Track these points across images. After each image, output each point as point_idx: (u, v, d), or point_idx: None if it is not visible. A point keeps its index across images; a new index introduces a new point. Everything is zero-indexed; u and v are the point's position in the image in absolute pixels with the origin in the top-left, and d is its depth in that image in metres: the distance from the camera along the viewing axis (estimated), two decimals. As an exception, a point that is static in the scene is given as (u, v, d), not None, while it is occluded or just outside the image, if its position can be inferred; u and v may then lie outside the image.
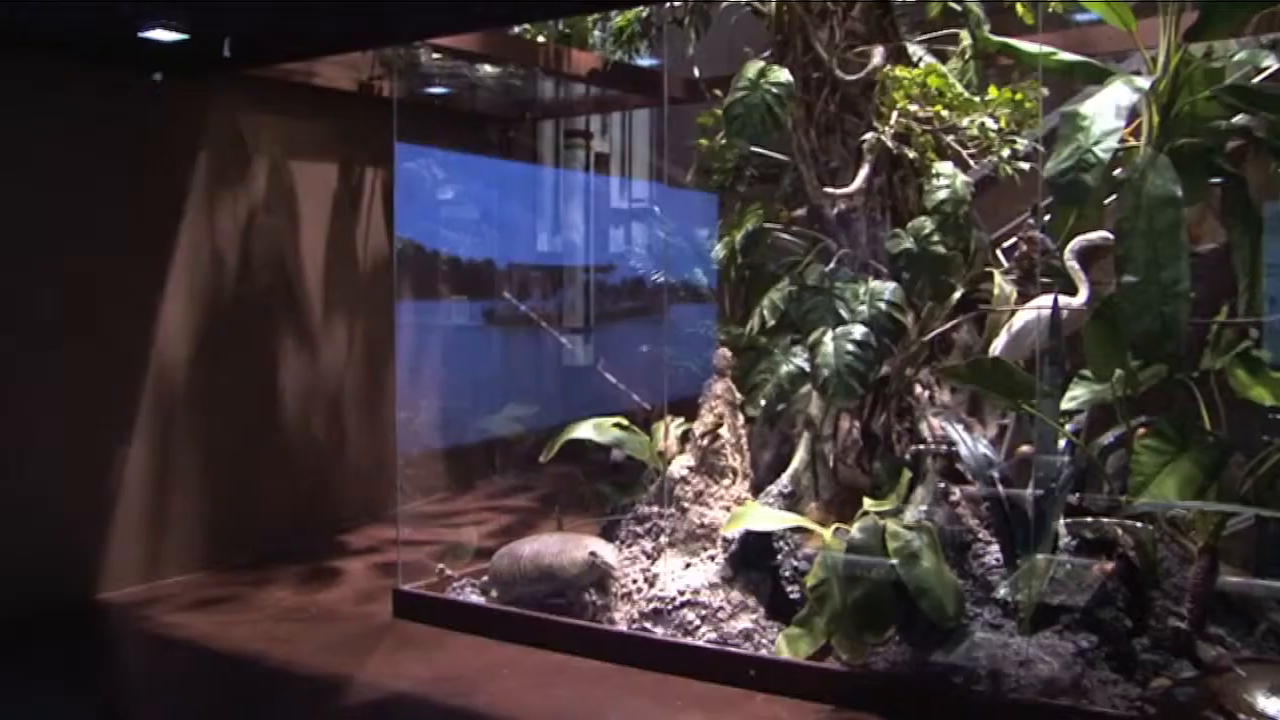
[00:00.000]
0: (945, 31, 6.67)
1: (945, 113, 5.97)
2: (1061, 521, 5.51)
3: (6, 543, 6.58)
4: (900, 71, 6.04)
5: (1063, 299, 5.58)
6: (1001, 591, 5.47)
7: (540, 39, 8.52)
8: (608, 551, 6.24)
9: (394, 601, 6.73)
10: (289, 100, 8.16)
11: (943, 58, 6.61)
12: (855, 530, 5.62)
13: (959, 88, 6.03)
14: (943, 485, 5.83)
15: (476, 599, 6.68)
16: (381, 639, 6.36)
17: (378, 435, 8.80)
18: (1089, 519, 5.55)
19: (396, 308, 8.39)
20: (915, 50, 6.51)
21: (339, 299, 8.67)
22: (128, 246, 7.23)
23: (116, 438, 7.20)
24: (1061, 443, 5.56)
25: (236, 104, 7.85)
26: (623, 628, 6.05)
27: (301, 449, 8.40)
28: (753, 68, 5.98)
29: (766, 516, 5.96)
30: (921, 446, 6.01)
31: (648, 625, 5.95)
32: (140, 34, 6.26)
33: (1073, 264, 5.67)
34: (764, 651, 5.68)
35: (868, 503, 5.78)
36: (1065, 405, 5.58)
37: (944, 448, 5.91)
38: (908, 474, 5.90)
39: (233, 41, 6.50)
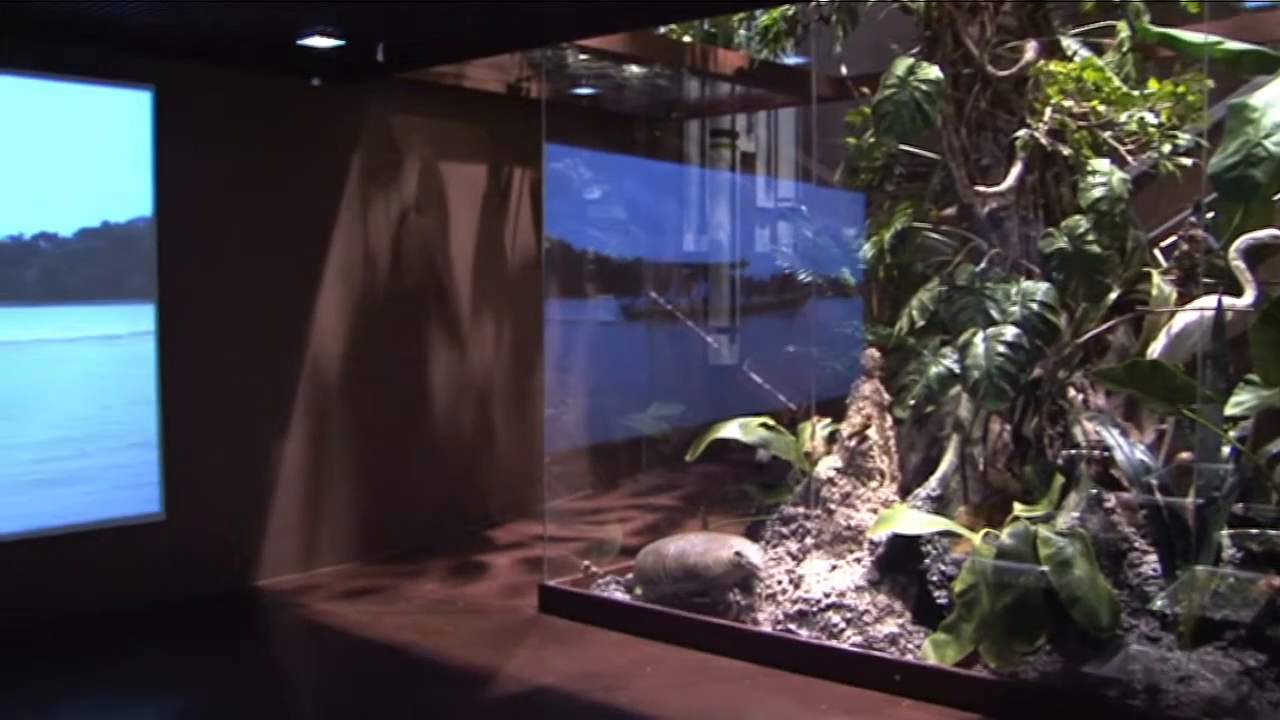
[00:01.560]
0: (1102, 23, 6.47)
1: (1102, 108, 5.79)
2: (1225, 532, 5.29)
3: (179, 531, 6.91)
4: (1054, 66, 5.88)
5: (1227, 300, 5.37)
6: (1159, 603, 5.28)
7: (686, 39, 8.53)
8: (753, 552, 6.22)
9: (539, 597, 6.82)
10: (440, 103, 8.32)
11: (1099, 51, 6.42)
12: (1006, 536, 5.49)
13: (1117, 81, 5.84)
14: (1097, 492, 5.65)
15: (621, 596, 6.72)
16: (527, 633, 6.45)
17: (525, 432, 8.92)
18: (1255, 530, 5.32)
19: (545, 307, 8.47)
20: (1070, 44, 6.33)
21: (488, 297, 8.82)
22: (286, 247, 7.49)
23: (276, 432, 7.46)
24: (1226, 450, 5.34)
25: (389, 107, 8.04)
26: (767, 628, 6.02)
27: (450, 445, 8.56)
28: (902, 64, 5.89)
29: (914, 520, 5.87)
30: (1075, 451, 5.85)
31: (792, 627, 5.91)
32: (299, 41, 6.47)
33: (1239, 263, 5.44)
34: (910, 657, 5.59)
35: (1018, 508, 5.65)
36: (1230, 411, 5.35)
37: (1099, 453, 5.74)
38: (1060, 479, 5.74)
39: (386, 47, 6.64)
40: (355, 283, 7.86)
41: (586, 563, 7.04)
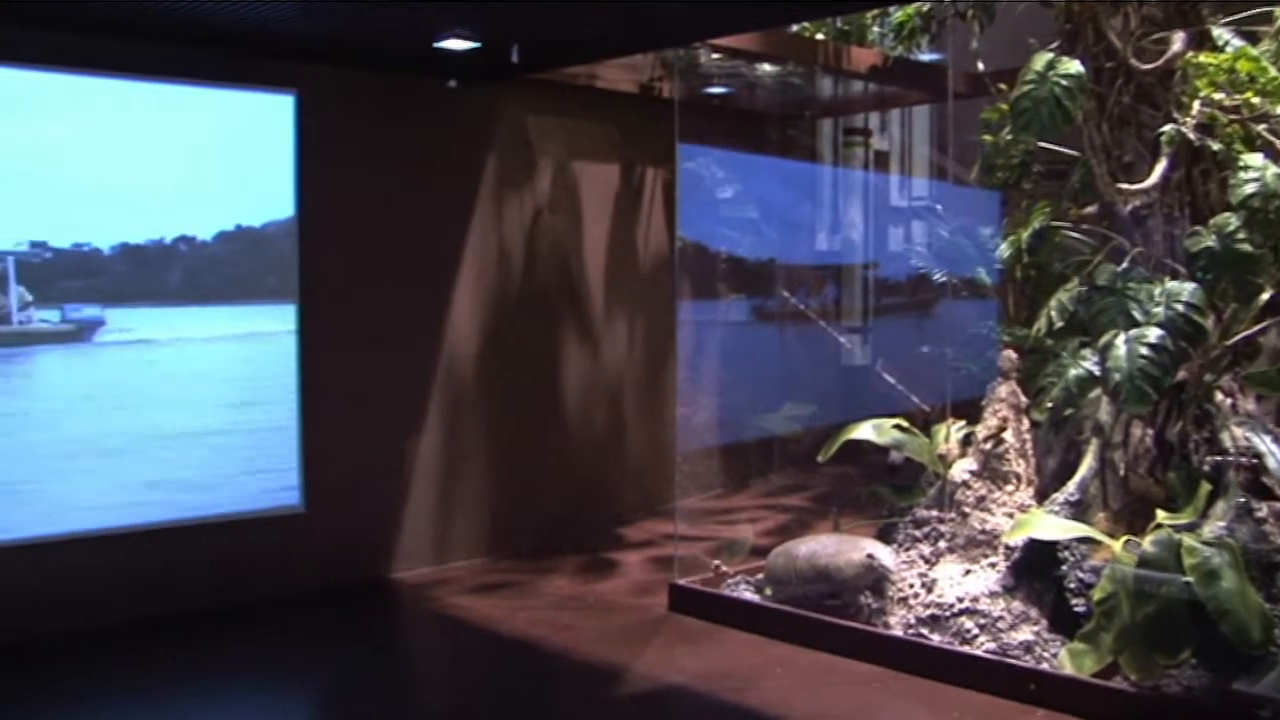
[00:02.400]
0: (1256, 10, 6.22)
1: (1256, 100, 5.57)
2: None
3: (318, 523, 7.11)
4: (1204, 57, 5.68)
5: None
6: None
7: (819, 36, 8.46)
8: (885, 554, 6.15)
9: (670, 595, 6.84)
10: (572, 103, 8.39)
11: (1253, 40, 6.17)
12: (1148, 543, 5.33)
13: (1274, 71, 5.61)
14: (1246, 500, 5.44)
15: (751, 596, 6.70)
16: (657, 631, 6.47)
17: (656, 430, 8.95)
18: None
19: (678, 306, 8.47)
20: (1221, 34, 6.10)
21: (620, 296, 8.87)
22: (422, 247, 7.64)
23: (411, 429, 7.62)
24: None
25: (523, 108, 8.14)
26: (898, 632, 5.94)
27: (582, 442, 8.64)
28: (1041, 59, 5.75)
29: (1052, 525, 5.74)
30: (1222, 457, 5.64)
31: (924, 631, 5.83)
32: (436, 44, 6.58)
33: (1401, 262, 5.20)
34: (1046, 665, 5.47)
35: (1161, 515, 5.48)
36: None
37: (1248, 460, 5.53)
38: (1206, 486, 5.55)
39: (521, 48, 6.72)
40: (489, 281, 7.98)
41: (717, 562, 7.03)
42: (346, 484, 7.27)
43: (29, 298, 6.22)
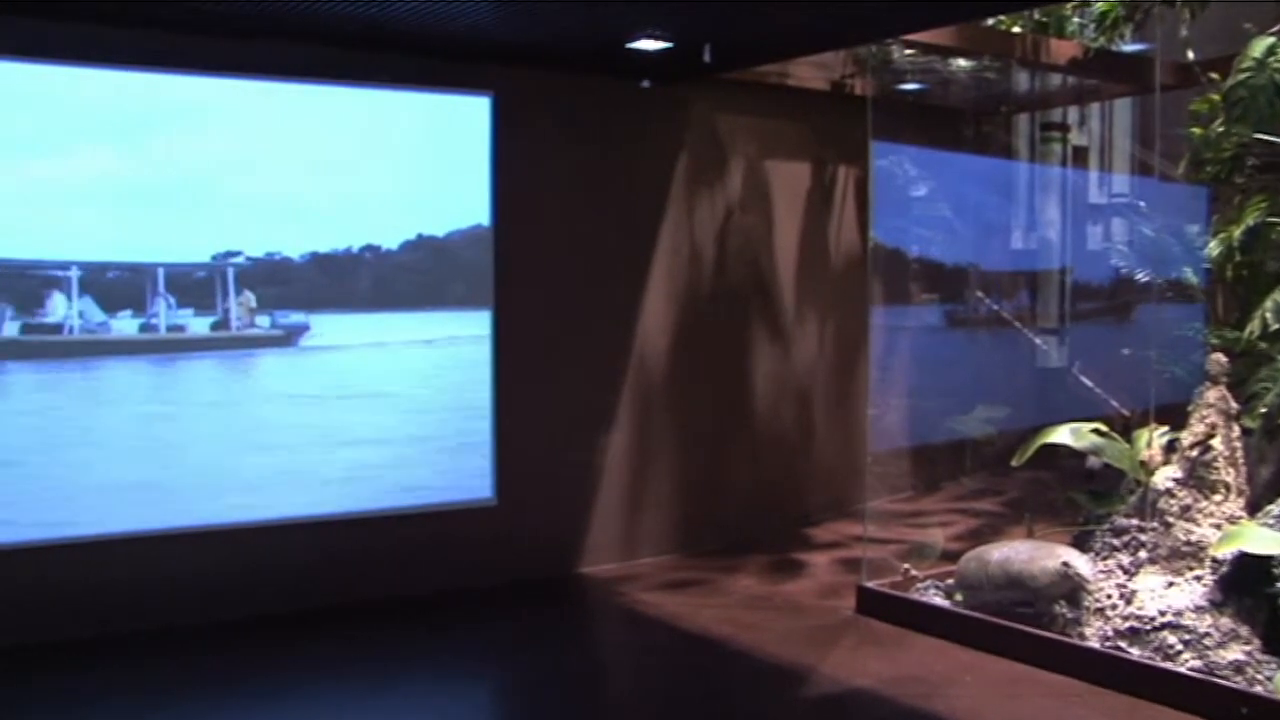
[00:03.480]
0: None
1: None
2: None
3: (509, 517, 7.27)
4: None
5: None
6: None
7: (1015, 29, 8.24)
8: (1081, 563, 5.95)
9: (857, 597, 6.77)
10: (763, 101, 8.37)
11: None
12: (1371, 560, 5.03)
13: None
14: None
15: (941, 601, 6.58)
16: (843, 634, 6.41)
17: (846, 431, 8.87)
18: None
19: (870, 305, 8.38)
20: None
21: (810, 296, 8.82)
22: (614, 246, 7.75)
23: (602, 426, 7.73)
24: None
25: (714, 107, 8.16)
26: (1094, 644, 5.74)
27: (771, 442, 8.61)
28: (1259, 45, 5.49)
29: (1265, 538, 5.45)
30: None
31: (1122, 645, 5.62)
32: (628, 45, 6.66)
33: None
34: (1259, 688, 5.19)
35: (1387, 530, 5.16)
36: None
37: None
38: None
39: (713, 47, 6.74)
40: (680, 280, 8.03)
41: (906, 566, 6.93)
42: (538, 479, 7.42)
43: (253, 304, 6.65)
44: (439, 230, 7.16)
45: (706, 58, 6.81)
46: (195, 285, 6.55)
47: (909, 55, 8.53)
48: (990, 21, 8.14)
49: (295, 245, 6.76)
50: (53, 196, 6.14)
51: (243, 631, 6.39)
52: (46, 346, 6.23)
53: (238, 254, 6.59)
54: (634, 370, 7.84)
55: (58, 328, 6.24)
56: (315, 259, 6.82)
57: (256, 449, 6.64)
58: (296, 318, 6.77)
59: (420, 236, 7.11)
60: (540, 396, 7.41)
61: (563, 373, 7.50)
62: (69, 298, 6.24)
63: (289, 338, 6.77)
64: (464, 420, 7.20)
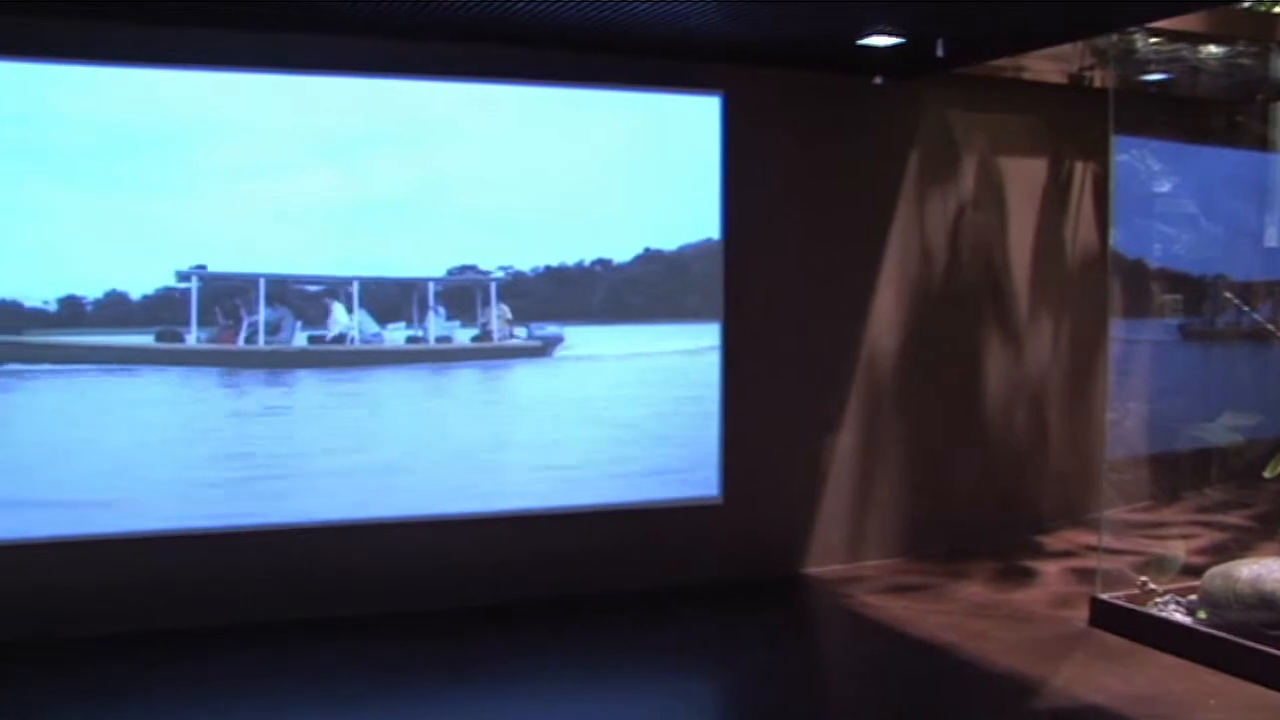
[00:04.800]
0: None
1: None
2: None
3: (735, 516, 7.33)
4: None
5: None
6: None
7: (1276, 10, 7.77)
8: (1340, 584, 5.59)
9: (1091, 609, 6.54)
10: (997, 96, 8.16)
11: None
12: None
13: None
14: None
15: (1181, 618, 6.27)
16: (1075, 647, 6.20)
17: (1080, 436, 8.58)
18: None
19: (1109, 306, 8.06)
20: None
21: (1045, 296, 8.56)
22: (844, 245, 7.69)
23: (829, 426, 7.69)
24: None
25: (946, 102, 8.01)
26: (1355, 672, 5.39)
27: (1001, 445, 8.40)
28: None
29: None
30: None
31: (1387, 673, 5.25)
32: (859, 41, 6.60)
33: None
34: None
35: None
36: None
37: None
38: None
39: (946, 42, 6.61)
40: (910, 280, 7.92)
41: (1144, 579, 6.64)
42: (764, 478, 7.44)
43: (509, 316, 7.00)
44: (670, 244, 7.28)
45: (939, 53, 6.69)
46: (455, 298, 6.95)
47: (1154, 44, 8.15)
48: (1247, 3, 7.70)
49: (527, 258, 7.03)
50: (315, 211, 6.58)
51: (468, 620, 6.63)
52: (330, 355, 6.75)
53: (509, 268, 6.97)
54: (862, 371, 7.77)
55: (341, 338, 6.75)
56: (548, 272, 7.07)
57: (507, 447, 6.99)
58: (552, 329, 7.11)
59: (649, 250, 7.25)
60: (767, 398, 7.43)
61: (790, 374, 7.51)
62: (350, 310, 6.74)
63: (545, 348, 7.11)
64: (693, 423, 7.31)
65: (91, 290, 6.29)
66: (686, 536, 7.23)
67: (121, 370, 6.43)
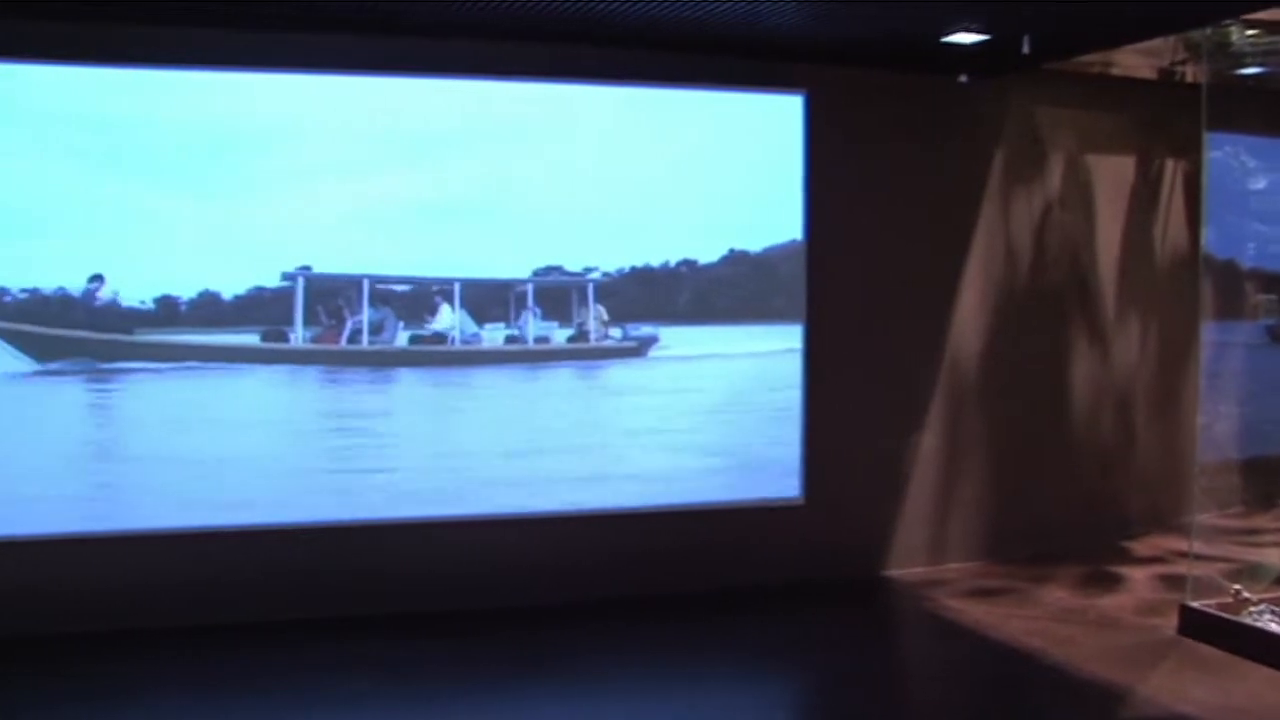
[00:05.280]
0: None
1: None
2: None
3: (815, 516, 7.29)
4: None
5: None
6: None
7: (1380, 1, 7.54)
8: None
9: (1180, 617, 6.40)
10: (1084, 92, 8.03)
11: None
12: None
13: None
14: None
15: (1277, 628, 6.12)
16: (1164, 655, 6.07)
17: (1169, 440, 8.40)
18: None
19: (1201, 306, 7.88)
20: None
21: (1133, 296, 8.41)
22: (927, 245, 7.61)
23: (911, 427, 7.64)
24: None
25: (1032, 99, 7.90)
26: None
27: (1087, 448, 8.26)
28: None
29: None
30: None
31: None
32: (943, 39, 6.53)
33: None
34: None
35: None
36: None
37: None
38: None
39: (1032, 38, 6.51)
40: (995, 280, 7.83)
41: (1237, 587, 6.48)
42: (845, 479, 7.40)
43: (605, 317, 7.10)
44: (756, 245, 7.29)
45: (1025, 49, 6.59)
46: (552, 299, 7.06)
47: (1251, 36, 7.94)
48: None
49: (612, 259, 7.07)
50: (399, 212, 6.68)
51: (550, 618, 6.67)
52: (431, 355, 6.88)
53: (594, 269, 7.05)
54: (945, 372, 7.70)
55: (442, 338, 6.86)
56: (633, 272, 7.12)
57: (593, 447, 7.08)
58: (646, 330, 7.17)
59: (734, 251, 7.27)
60: (849, 398, 7.40)
61: (872, 374, 7.46)
62: (452, 310, 6.87)
63: (641, 349, 7.18)
64: (777, 423, 7.29)
65: (185, 290, 6.45)
66: (768, 537, 7.22)
67: (221, 369, 6.57)
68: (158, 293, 6.39)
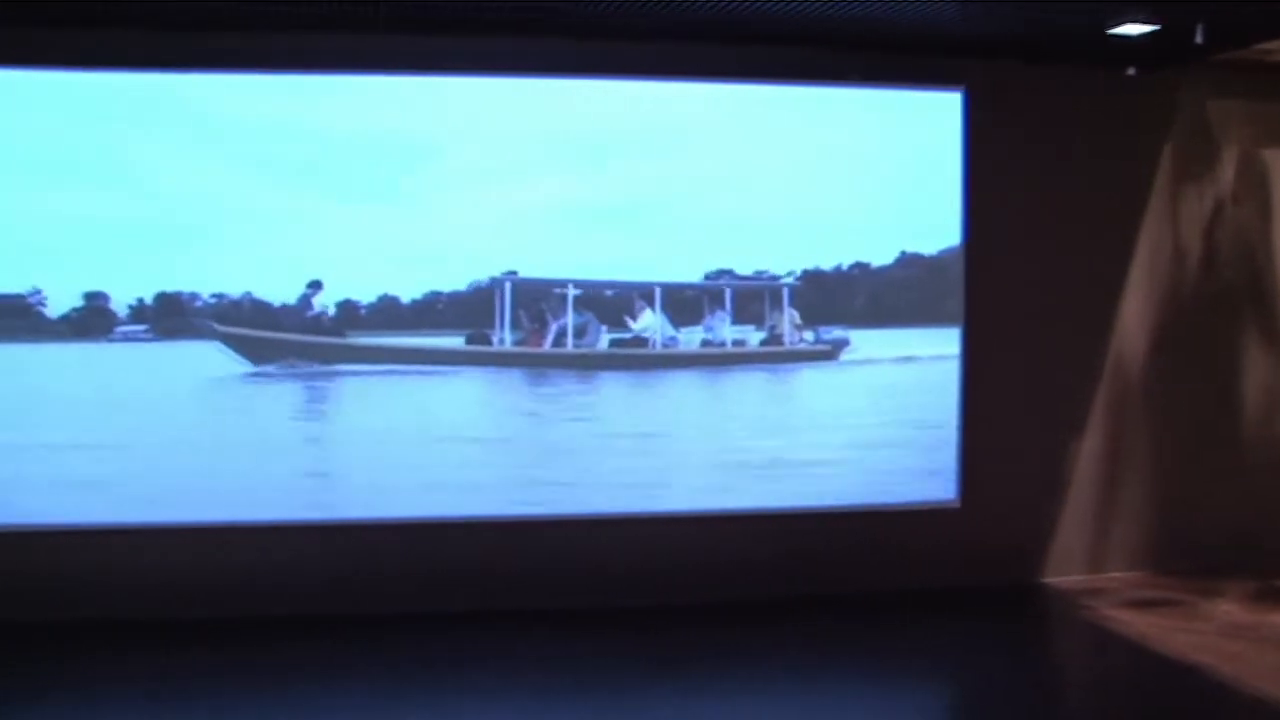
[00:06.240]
0: None
1: None
2: None
3: (972, 520, 7.15)
4: None
5: None
6: None
7: None
8: None
9: (1360, 637, 6.09)
10: (1262, 83, 7.68)
11: None
12: None
13: None
14: None
15: None
16: (1342, 676, 5.78)
17: (1351, 449, 7.99)
18: None
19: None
20: None
21: (1315, 296, 8.03)
22: (1091, 244, 7.39)
23: (1072, 431, 7.43)
24: None
25: (1204, 91, 7.61)
26: None
27: (1261, 456, 7.90)
28: None
29: None
30: None
31: None
32: (1110, 31, 6.34)
33: None
34: None
35: None
36: None
37: None
38: None
39: (1206, 27, 6.26)
40: (1162, 280, 7.58)
41: None
42: (1003, 483, 7.24)
43: (798, 320, 7.12)
44: (929, 247, 7.20)
45: (1198, 39, 6.34)
46: (743, 302, 7.13)
47: None
48: None
49: (782, 262, 7.09)
50: (577, 216, 6.82)
51: (707, 615, 6.67)
52: (633, 359, 7.05)
53: (812, 272, 7.08)
54: (1108, 375, 7.47)
55: (643, 341, 7.00)
56: (805, 275, 7.12)
57: (765, 449, 7.08)
58: (838, 332, 7.18)
59: (905, 253, 7.20)
60: (1008, 401, 7.24)
61: (1032, 377, 7.29)
62: (653, 314, 7.00)
63: (833, 352, 7.18)
64: (936, 421, 7.20)
65: (365, 295, 6.68)
66: (922, 539, 7.11)
67: (422, 371, 6.83)
68: (339, 297, 6.64)
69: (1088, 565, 7.45)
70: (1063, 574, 7.40)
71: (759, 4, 5.84)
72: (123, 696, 5.45)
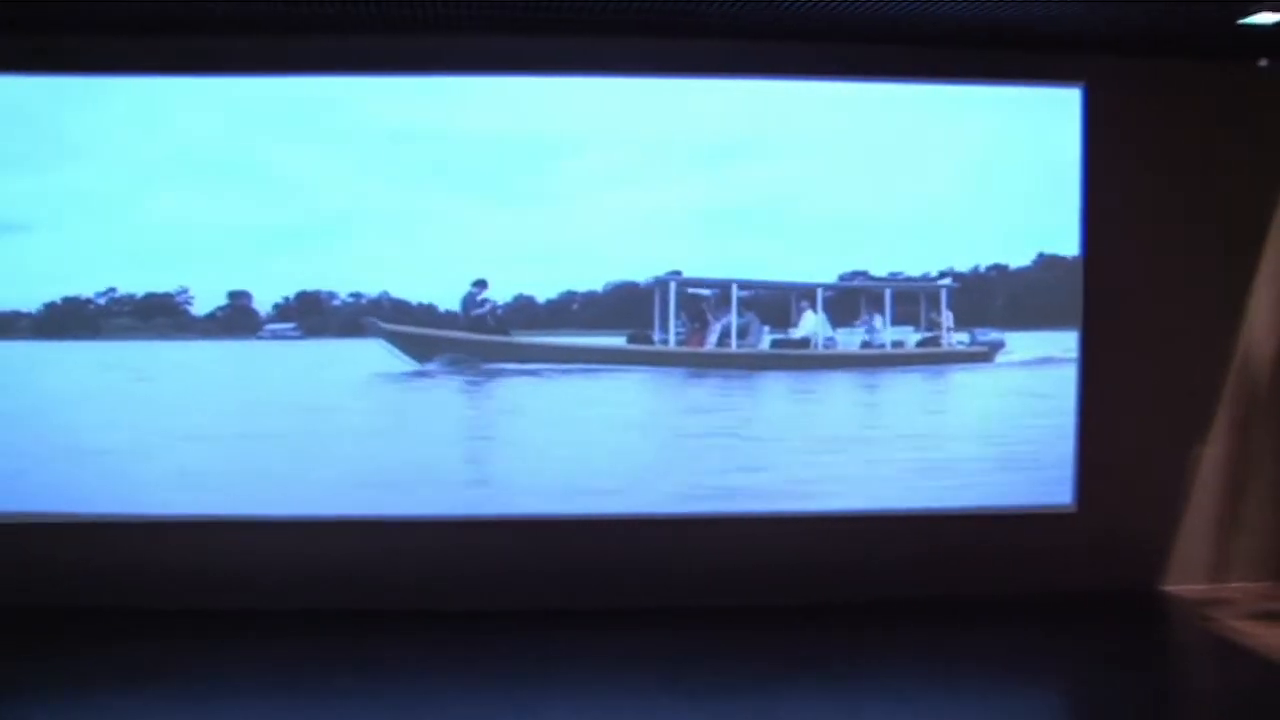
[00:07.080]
0: None
1: None
2: None
3: (1088, 524, 7.02)
4: None
5: None
6: None
7: None
8: None
9: None
10: None
11: None
12: None
13: None
14: None
15: None
16: None
17: None
18: None
19: None
20: None
21: None
22: (1218, 240, 7.21)
23: (1195, 434, 7.25)
24: None
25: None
26: None
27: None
28: None
29: None
30: None
31: None
32: (1239, 21, 6.16)
33: None
34: None
35: None
36: None
37: None
38: None
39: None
40: (1292, 279, 7.35)
41: None
42: (1122, 487, 7.10)
43: (951, 322, 7.14)
44: (1069, 249, 7.09)
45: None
46: (899, 304, 7.15)
47: None
48: None
49: (915, 263, 7.10)
50: (705, 218, 6.86)
51: (813, 616, 6.66)
52: (793, 359, 7.12)
53: (948, 273, 7.09)
54: (1234, 378, 7.27)
55: (805, 342, 7.06)
56: (941, 277, 7.11)
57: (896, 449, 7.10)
58: (994, 334, 7.18)
59: (1043, 255, 7.12)
60: (1128, 404, 7.09)
61: (1154, 380, 7.12)
62: (815, 315, 7.06)
63: (990, 353, 7.18)
64: (1051, 423, 7.13)
65: (500, 295, 6.80)
66: (1038, 543, 6.99)
67: (581, 370, 6.98)
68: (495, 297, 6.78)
69: (1210, 574, 7.27)
70: (1183, 582, 7.22)
71: (877, 5, 5.82)
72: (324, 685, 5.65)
